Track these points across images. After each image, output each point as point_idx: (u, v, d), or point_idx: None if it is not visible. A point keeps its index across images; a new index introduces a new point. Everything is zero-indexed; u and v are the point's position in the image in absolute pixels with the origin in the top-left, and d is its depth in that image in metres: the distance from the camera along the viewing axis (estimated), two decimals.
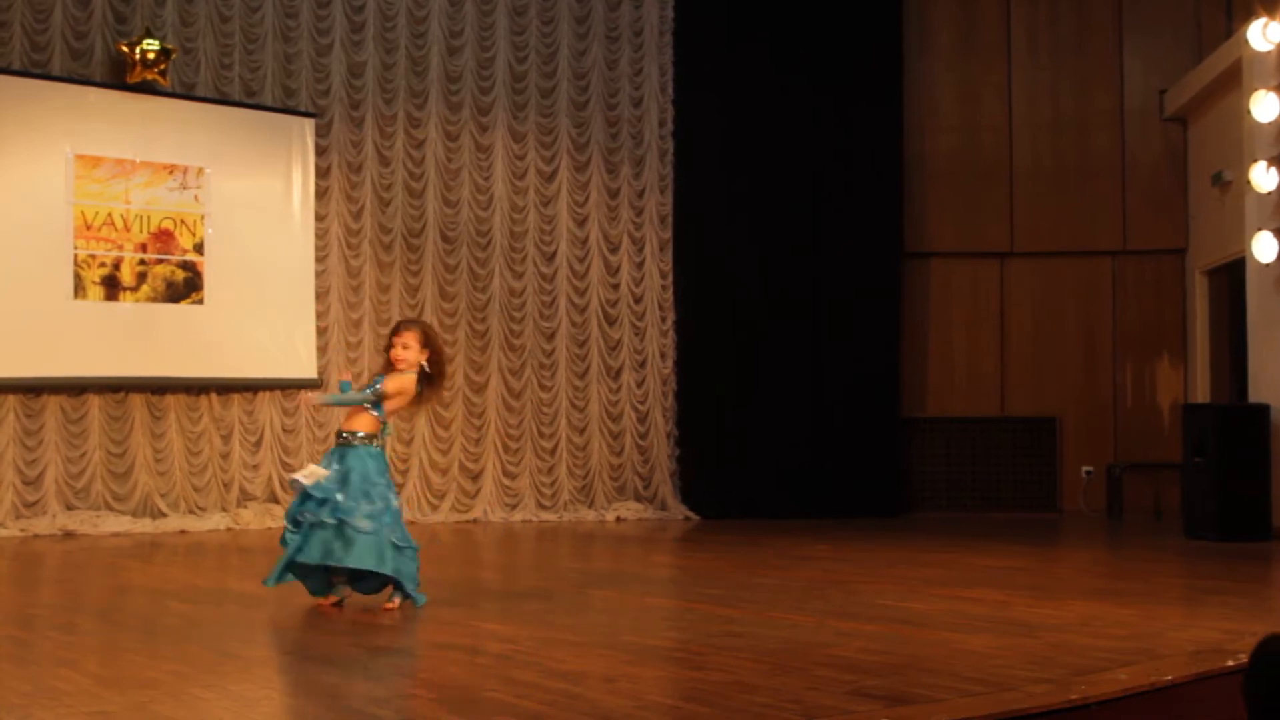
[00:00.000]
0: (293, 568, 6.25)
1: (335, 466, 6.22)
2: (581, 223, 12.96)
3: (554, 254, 12.83)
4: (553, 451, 12.69)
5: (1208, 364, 12.81)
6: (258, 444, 11.53)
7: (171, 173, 11.18)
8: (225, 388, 11.35)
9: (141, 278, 11.03)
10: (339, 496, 6.13)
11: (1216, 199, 12.27)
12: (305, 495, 6.19)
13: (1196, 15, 13.24)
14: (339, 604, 6.28)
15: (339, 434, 6.38)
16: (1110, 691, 4.18)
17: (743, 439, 12.82)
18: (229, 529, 11.09)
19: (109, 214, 10.90)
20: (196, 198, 11.29)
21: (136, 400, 11.04)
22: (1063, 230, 13.39)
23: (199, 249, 11.30)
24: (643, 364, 13.05)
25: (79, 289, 10.74)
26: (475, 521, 12.17)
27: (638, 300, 13.08)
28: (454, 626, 5.77)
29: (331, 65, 11.98)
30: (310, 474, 6.17)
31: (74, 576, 8.36)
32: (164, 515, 10.95)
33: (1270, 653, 2.47)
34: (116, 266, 10.93)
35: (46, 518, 10.55)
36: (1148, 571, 8.47)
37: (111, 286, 10.90)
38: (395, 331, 6.52)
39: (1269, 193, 10.37)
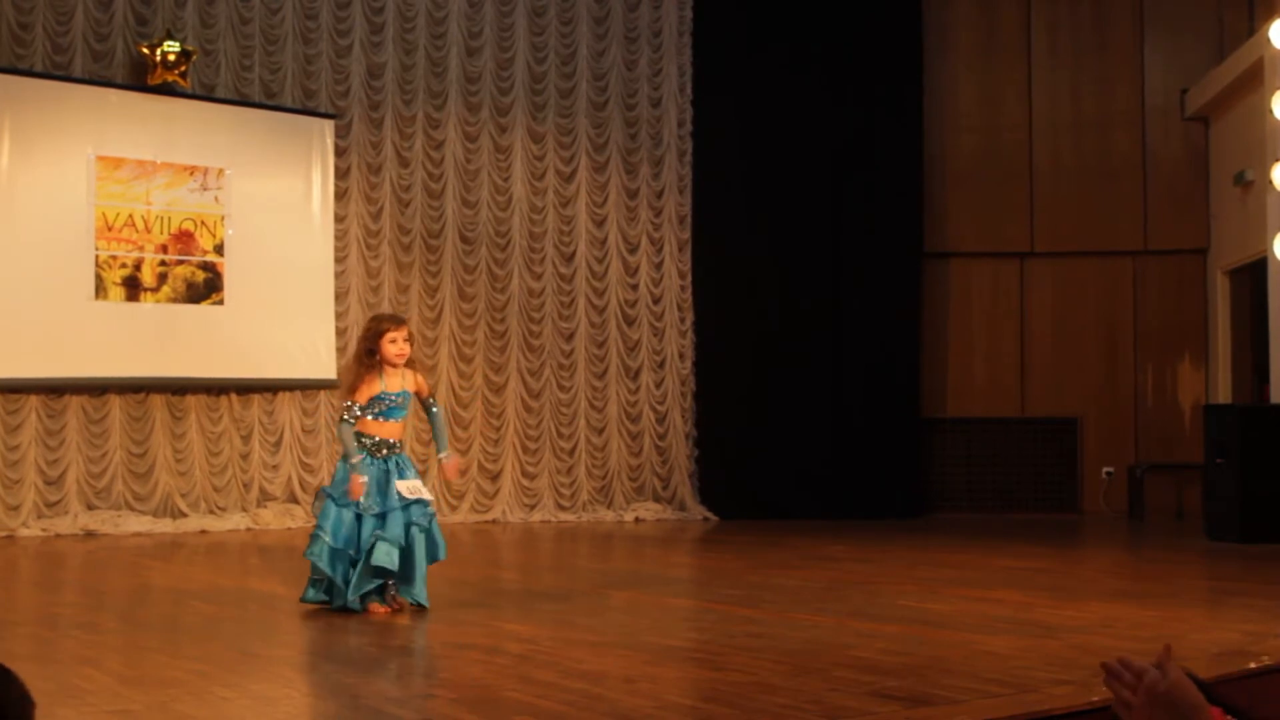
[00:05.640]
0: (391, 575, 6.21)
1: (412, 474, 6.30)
2: (600, 223, 12.95)
3: (573, 254, 12.83)
4: (571, 452, 12.69)
5: (1229, 364, 12.75)
6: (277, 444, 11.56)
7: (192, 174, 11.22)
8: (245, 388, 11.39)
9: (162, 278, 11.08)
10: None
11: (1238, 199, 12.21)
12: (414, 503, 6.19)
13: (1218, 14, 13.17)
14: (399, 608, 6.23)
15: (390, 444, 6.30)
16: None
17: (762, 439, 12.80)
18: (249, 529, 11.13)
19: (130, 215, 10.94)
20: (217, 199, 11.33)
21: (157, 400, 11.09)
22: (1083, 230, 13.32)
23: (219, 250, 11.34)
24: (661, 364, 13.04)
25: (100, 290, 10.79)
26: (494, 522, 12.18)
27: (656, 301, 13.07)
28: (473, 627, 5.78)
29: (351, 66, 12.00)
30: (414, 488, 6.20)
31: (96, 576, 8.40)
32: (184, 515, 10.99)
33: None
34: (137, 267, 10.98)
35: (68, 517, 10.60)
36: (1169, 573, 8.43)
37: (132, 287, 10.94)
38: (397, 325, 6.35)
39: None
